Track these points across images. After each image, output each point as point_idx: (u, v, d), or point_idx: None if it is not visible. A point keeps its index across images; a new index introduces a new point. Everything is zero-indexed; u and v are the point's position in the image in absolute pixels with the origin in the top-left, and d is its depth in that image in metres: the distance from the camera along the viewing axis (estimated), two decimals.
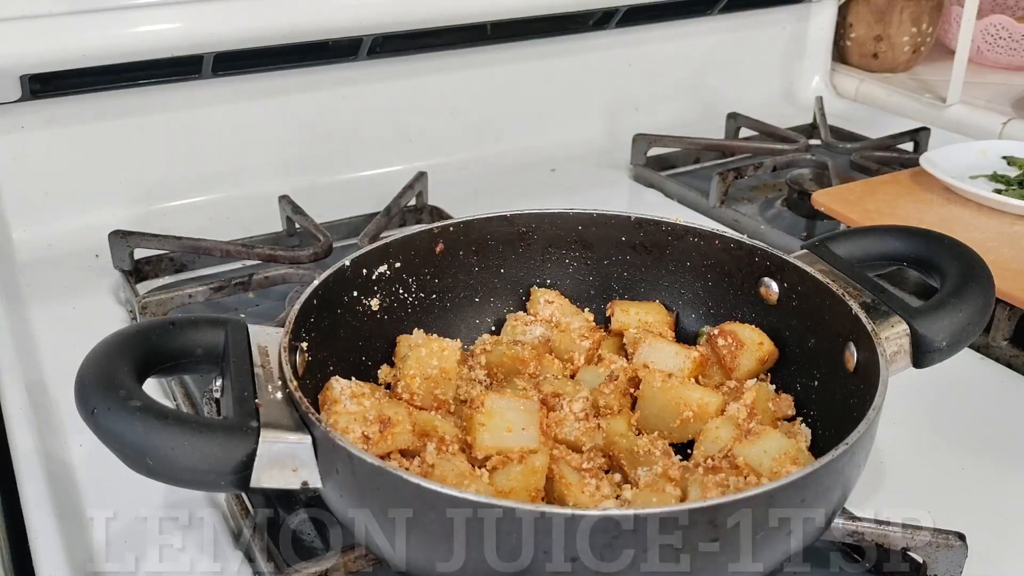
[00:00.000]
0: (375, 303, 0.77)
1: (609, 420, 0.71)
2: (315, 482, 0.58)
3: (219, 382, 0.64)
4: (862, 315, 0.68)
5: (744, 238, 0.80)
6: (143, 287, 1.01)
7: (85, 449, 0.78)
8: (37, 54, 1.04)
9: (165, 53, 1.10)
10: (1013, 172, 1.20)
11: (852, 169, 1.32)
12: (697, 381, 0.76)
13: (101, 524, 0.71)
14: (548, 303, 0.83)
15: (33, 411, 0.83)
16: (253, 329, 0.65)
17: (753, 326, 0.77)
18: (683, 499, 0.63)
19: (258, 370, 0.62)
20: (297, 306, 0.68)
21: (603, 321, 0.84)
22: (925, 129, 1.42)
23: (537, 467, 0.62)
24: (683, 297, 0.83)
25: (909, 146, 1.42)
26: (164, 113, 1.17)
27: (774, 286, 0.77)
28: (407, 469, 0.61)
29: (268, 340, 0.65)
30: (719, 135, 1.46)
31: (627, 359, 0.79)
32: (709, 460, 0.66)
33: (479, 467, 0.64)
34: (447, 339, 0.74)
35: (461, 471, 0.61)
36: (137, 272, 1.04)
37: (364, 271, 0.76)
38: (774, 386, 0.76)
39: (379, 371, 0.77)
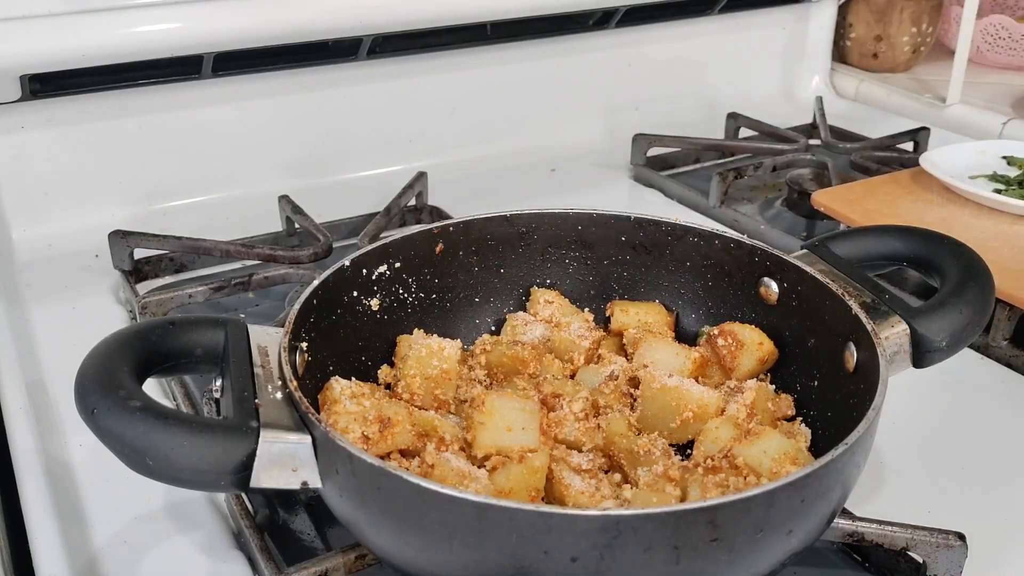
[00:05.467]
0: (375, 303, 0.77)
1: (609, 420, 0.71)
2: (315, 482, 0.58)
3: (219, 382, 0.64)
4: (862, 315, 0.67)
5: (744, 238, 0.80)
6: (143, 287, 1.01)
7: (85, 449, 0.78)
8: (37, 54, 1.04)
9: (165, 53, 1.10)
10: (1013, 172, 1.20)
11: (852, 169, 1.32)
12: (697, 381, 0.76)
13: (101, 524, 0.71)
14: (548, 303, 0.83)
15: (33, 411, 0.83)
16: (253, 329, 0.65)
17: (753, 326, 0.77)
18: (683, 499, 0.63)
19: (258, 370, 0.62)
20: (297, 306, 0.68)
21: (603, 321, 0.84)
22: (925, 129, 1.42)
23: (537, 467, 0.62)
24: (683, 297, 0.83)
25: (909, 146, 1.42)
26: (164, 113, 1.17)
27: (774, 286, 0.77)
28: (407, 469, 0.61)
29: (268, 340, 0.65)
30: (719, 135, 1.46)
31: (627, 359, 0.79)
32: (709, 460, 0.66)
33: (479, 467, 0.64)
34: (447, 339, 0.74)
35: (461, 471, 0.61)
36: (137, 272, 1.04)
37: (364, 271, 0.76)
38: (774, 386, 0.76)
39: (379, 371, 0.77)
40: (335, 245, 1.04)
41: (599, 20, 1.41)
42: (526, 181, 1.33)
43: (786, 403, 0.74)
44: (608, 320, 0.83)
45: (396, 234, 0.80)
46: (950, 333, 0.68)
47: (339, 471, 0.56)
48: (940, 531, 0.65)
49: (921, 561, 0.65)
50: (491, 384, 0.76)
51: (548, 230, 0.84)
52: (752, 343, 0.76)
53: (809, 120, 1.51)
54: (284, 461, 0.57)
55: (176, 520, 0.71)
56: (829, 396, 0.72)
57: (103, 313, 1.00)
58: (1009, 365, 0.92)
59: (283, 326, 0.66)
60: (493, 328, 0.84)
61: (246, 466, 0.56)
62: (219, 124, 1.21)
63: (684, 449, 0.72)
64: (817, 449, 0.69)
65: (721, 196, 1.23)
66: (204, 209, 1.21)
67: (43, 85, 1.09)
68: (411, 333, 0.76)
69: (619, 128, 1.46)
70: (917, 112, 1.57)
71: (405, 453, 0.65)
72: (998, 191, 1.13)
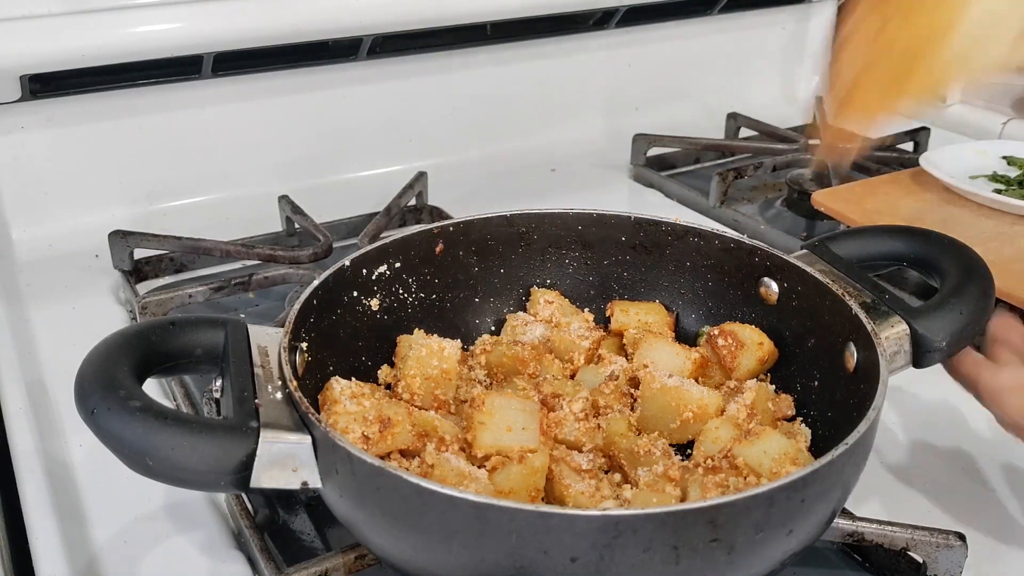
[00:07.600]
0: (375, 303, 0.77)
1: (609, 420, 0.71)
2: (315, 482, 0.58)
3: (219, 382, 0.64)
4: (862, 315, 0.67)
5: (744, 238, 0.80)
6: (143, 287, 1.01)
7: (85, 449, 0.78)
8: (37, 54, 1.04)
9: (165, 53, 1.10)
10: (1013, 172, 1.20)
11: (852, 169, 1.32)
12: (697, 381, 0.76)
13: (101, 524, 0.71)
14: (548, 303, 0.83)
15: (33, 411, 0.83)
16: (253, 329, 0.65)
17: (753, 326, 0.77)
18: (683, 499, 0.63)
19: (258, 370, 0.62)
20: (297, 306, 0.68)
21: (603, 321, 0.84)
22: (925, 129, 1.42)
23: (537, 467, 0.62)
24: (683, 297, 0.83)
25: (909, 146, 1.42)
26: (164, 113, 1.17)
27: (774, 286, 0.77)
28: (407, 469, 0.61)
29: (268, 340, 0.65)
30: (719, 135, 1.46)
31: (627, 359, 0.79)
32: (709, 460, 0.66)
33: (479, 467, 0.64)
34: (447, 339, 0.74)
35: (461, 471, 0.61)
36: (137, 272, 1.04)
37: (364, 271, 0.76)
38: (774, 386, 0.76)
39: (379, 371, 0.77)
40: (335, 245, 1.04)
41: (599, 20, 1.41)
42: (526, 181, 1.33)
43: (786, 403, 0.74)
44: (608, 320, 0.83)
45: (396, 234, 0.80)
46: (950, 333, 0.68)
47: (339, 471, 0.56)
48: (940, 531, 0.65)
49: (921, 561, 0.65)
50: (491, 384, 0.76)
51: (548, 230, 0.84)
52: (752, 343, 0.76)
53: (809, 120, 1.51)
54: (284, 461, 0.57)
55: (176, 520, 0.71)
56: (829, 396, 0.72)
57: (103, 313, 1.00)
58: None
59: (283, 326, 0.66)
60: (493, 328, 0.84)
61: (246, 466, 0.56)
62: (219, 124, 1.21)
63: (684, 449, 0.72)
64: (817, 449, 0.69)
65: (721, 196, 1.23)
66: (204, 209, 1.21)
67: (43, 85, 1.09)
68: (411, 333, 0.76)
69: (619, 128, 1.46)
70: (917, 112, 1.57)
71: (405, 453, 0.65)
72: (998, 191, 1.13)
